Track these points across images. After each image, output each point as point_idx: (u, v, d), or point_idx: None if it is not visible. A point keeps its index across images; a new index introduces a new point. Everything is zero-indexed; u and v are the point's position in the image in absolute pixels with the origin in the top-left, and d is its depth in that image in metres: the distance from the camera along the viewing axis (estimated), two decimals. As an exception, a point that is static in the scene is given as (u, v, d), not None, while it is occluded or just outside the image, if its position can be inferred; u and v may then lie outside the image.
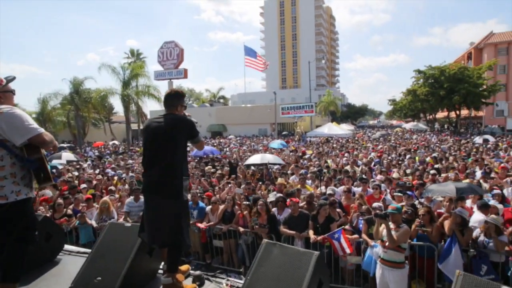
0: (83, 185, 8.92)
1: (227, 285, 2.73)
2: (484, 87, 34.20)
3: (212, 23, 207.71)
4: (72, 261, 3.38)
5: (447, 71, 34.60)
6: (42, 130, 2.40)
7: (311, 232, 5.44)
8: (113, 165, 13.68)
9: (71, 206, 7.14)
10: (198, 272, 2.86)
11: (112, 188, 8.55)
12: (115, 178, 10.52)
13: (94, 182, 9.34)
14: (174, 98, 2.80)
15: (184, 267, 2.84)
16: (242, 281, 2.87)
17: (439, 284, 4.99)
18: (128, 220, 6.82)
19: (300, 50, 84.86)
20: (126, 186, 9.45)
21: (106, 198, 7.23)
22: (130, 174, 11.25)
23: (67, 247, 3.65)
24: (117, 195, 8.04)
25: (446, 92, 33.62)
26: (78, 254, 3.55)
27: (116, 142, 30.42)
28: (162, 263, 2.80)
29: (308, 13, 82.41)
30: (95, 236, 6.86)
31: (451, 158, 12.46)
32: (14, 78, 2.55)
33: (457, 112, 38.16)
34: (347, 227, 5.52)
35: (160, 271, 3.02)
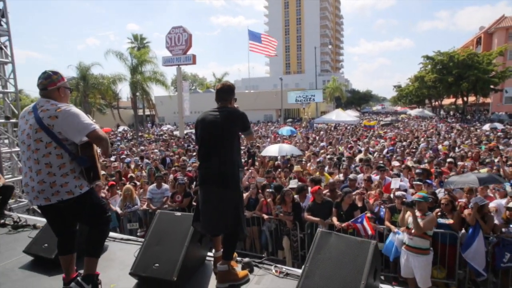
0: (102, 172, 9.04)
1: (276, 271, 2.86)
2: (494, 73, 33.74)
3: (214, 7, 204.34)
4: (118, 247, 3.53)
5: (456, 57, 34.07)
6: (97, 126, 2.46)
7: (334, 219, 5.57)
8: (126, 152, 13.82)
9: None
10: (247, 259, 2.98)
11: (132, 175, 8.66)
12: (132, 165, 10.65)
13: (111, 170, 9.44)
14: (228, 92, 2.83)
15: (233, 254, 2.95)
16: (288, 267, 3.01)
17: (460, 270, 5.13)
18: (151, 207, 6.99)
19: (305, 35, 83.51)
20: (143, 173, 9.61)
21: (129, 185, 7.36)
22: (146, 161, 11.39)
23: (110, 234, 3.78)
24: (137, 182, 8.19)
25: (454, 78, 33.22)
26: (122, 241, 3.70)
27: (125, 128, 30.52)
28: (213, 250, 2.91)
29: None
30: (118, 221, 7.06)
31: (462, 146, 12.52)
32: (73, 78, 2.64)
33: (465, 98, 37.82)
34: (369, 214, 5.64)
35: (208, 258, 3.15)
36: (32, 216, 5.16)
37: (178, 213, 3.05)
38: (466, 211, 5.20)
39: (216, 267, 2.75)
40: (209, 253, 3.17)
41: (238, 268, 2.86)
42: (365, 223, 5.18)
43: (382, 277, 5.55)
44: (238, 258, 3.05)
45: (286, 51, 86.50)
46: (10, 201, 6.18)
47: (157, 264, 2.68)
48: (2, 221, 4.45)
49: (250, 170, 7.86)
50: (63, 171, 2.39)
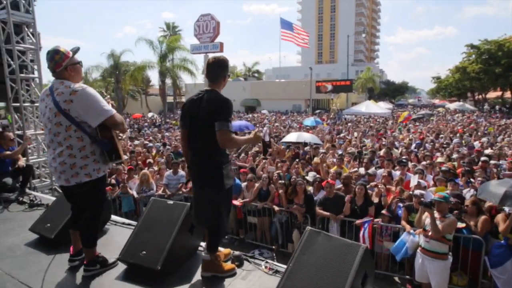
0: (125, 156, 9.31)
1: (266, 267, 2.73)
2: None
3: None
4: (118, 231, 3.57)
5: (506, 45, 31.16)
6: (114, 111, 2.44)
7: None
8: (150, 138, 14.18)
9: (113, 176, 7.52)
10: (237, 253, 2.88)
11: (151, 160, 8.84)
12: (154, 150, 10.89)
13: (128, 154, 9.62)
14: (219, 69, 2.43)
15: (226, 251, 2.87)
16: (279, 264, 2.87)
17: (484, 279, 4.70)
18: (167, 192, 7.09)
19: (339, 23, 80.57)
20: (163, 159, 9.78)
21: (145, 170, 7.51)
22: (167, 147, 11.60)
23: (113, 217, 3.85)
24: (155, 168, 8.35)
25: (503, 69, 30.51)
26: (124, 225, 3.74)
27: (154, 114, 31.45)
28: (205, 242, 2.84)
29: (349, -18, 77.15)
30: (136, 205, 7.26)
31: (502, 143, 11.49)
32: (78, 48, 2.52)
33: (514, 92, 34.73)
34: (384, 212, 5.31)
35: (200, 248, 3.09)
36: (49, 196, 5.40)
37: (170, 202, 3.01)
38: (500, 216, 4.66)
39: None
40: (201, 243, 3.10)
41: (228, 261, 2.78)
42: (366, 233, 4.96)
43: (397, 279, 5.28)
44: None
45: (318, 40, 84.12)
46: (35, 180, 6.54)
47: (144, 252, 2.66)
48: (21, 199, 4.70)
49: (264, 161, 7.72)
50: (83, 153, 2.41)
